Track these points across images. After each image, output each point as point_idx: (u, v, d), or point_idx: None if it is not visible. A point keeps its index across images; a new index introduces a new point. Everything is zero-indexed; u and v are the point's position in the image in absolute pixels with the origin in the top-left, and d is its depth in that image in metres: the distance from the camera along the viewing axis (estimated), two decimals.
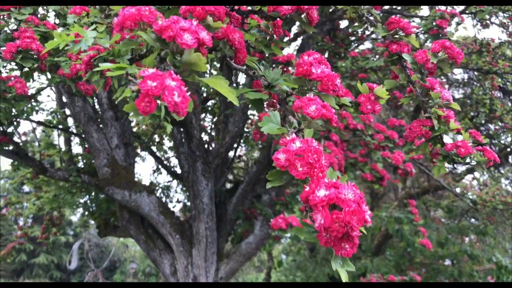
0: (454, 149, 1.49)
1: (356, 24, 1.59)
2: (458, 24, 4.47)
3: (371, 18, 1.61)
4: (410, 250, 8.60)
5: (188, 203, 8.69)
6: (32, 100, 3.50)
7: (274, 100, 1.22)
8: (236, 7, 1.26)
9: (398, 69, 1.61)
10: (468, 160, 1.50)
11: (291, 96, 1.15)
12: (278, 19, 1.21)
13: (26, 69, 2.34)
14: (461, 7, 5.89)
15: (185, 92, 0.84)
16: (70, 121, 7.41)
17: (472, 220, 11.72)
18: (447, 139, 1.54)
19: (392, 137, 3.79)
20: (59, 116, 6.94)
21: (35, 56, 2.10)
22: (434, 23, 4.18)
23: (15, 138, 5.04)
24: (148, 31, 0.90)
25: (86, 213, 7.27)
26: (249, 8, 1.25)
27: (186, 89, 0.85)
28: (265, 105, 1.32)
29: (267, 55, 1.38)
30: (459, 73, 9.26)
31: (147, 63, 0.92)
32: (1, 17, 2.30)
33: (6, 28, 2.33)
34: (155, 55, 0.91)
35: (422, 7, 6.80)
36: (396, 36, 1.56)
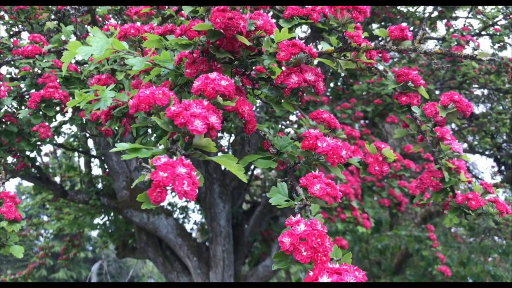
0: (465, 201, 1.50)
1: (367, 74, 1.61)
2: (474, 49, 4.45)
3: (381, 68, 1.64)
4: (431, 270, 8.43)
5: (203, 221, 8.76)
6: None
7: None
8: (247, 72, 1.31)
9: (408, 119, 1.64)
10: (479, 212, 1.50)
11: (299, 164, 1.19)
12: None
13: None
14: (477, 27, 5.87)
15: (195, 177, 0.88)
16: (90, 142, 7.57)
17: (496, 238, 11.44)
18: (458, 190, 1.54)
19: (409, 166, 3.78)
20: (78, 139, 7.11)
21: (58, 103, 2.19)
22: (449, 49, 4.17)
23: (37, 163, 5.18)
24: (161, 115, 0.96)
25: (105, 234, 7.39)
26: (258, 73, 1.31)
27: (196, 173, 0.90)
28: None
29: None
30: (478, 88, 9.15)
31: (162, 143, 0.97)
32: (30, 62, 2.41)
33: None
34: (168, 137, 0.96)
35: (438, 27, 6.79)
36: (406, 87, 1.59)
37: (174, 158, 0.92)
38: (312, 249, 0.87)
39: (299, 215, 0.98)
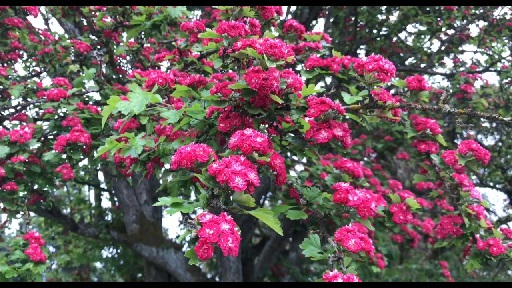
0: (486, 247, 1.53)
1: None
2: (483, 87, 4.53)
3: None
4: None
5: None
6: None
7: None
8: (274, 124, 1.37)
9: (427, 165, 1.68)
10: (501, 258, 1.52)
11: (329, 215, 1.23)
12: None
13: None
14: (484, 61, 5.97)
15: (237, 233, 0.93)
16: (101, 175, 7.62)
17: (509, 272, 11.21)
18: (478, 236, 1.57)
19: (422, 204, 3.79)
20: (89, 172, 7.18)
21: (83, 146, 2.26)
22: (458, 86, 4.25)
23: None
24: (203, 171, 1.01)
25: (113, 268, 7.35)
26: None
27: (237, 229, 0.95)
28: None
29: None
30: (487, 122, 9.19)
31: (201, 198, 1.02)
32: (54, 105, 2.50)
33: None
34: (207, 192, 1.02)
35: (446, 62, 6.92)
36: (424, 135, 1.64)
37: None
38: None
39: (335, 270, 1.01)
